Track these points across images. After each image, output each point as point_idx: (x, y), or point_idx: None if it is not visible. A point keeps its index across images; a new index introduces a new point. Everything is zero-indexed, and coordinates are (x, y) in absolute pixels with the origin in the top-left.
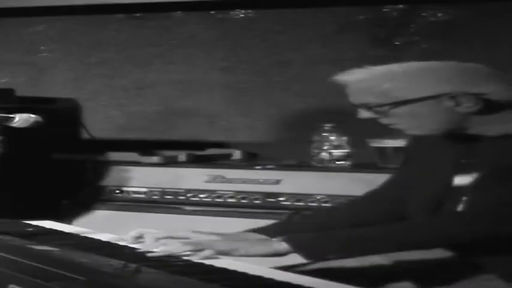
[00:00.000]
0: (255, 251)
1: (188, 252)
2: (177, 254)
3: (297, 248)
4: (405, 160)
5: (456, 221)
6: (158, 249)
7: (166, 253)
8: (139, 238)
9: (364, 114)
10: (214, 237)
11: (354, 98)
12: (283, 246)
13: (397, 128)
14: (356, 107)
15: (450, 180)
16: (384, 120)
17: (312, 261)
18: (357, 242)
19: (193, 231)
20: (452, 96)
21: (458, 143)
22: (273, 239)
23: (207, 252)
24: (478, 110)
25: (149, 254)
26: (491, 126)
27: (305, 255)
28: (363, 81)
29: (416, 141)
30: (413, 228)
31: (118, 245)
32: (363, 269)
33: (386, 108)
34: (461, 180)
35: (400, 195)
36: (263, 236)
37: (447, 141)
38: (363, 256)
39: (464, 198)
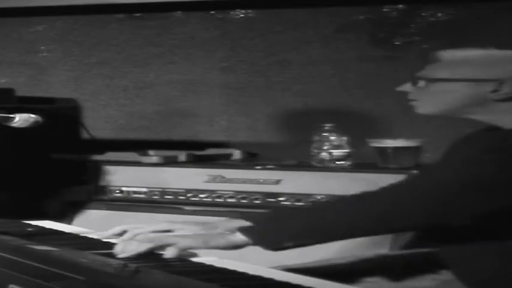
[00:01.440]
0: (215, 243)
1: (150, 250)
2: (141, 252)
3: (253, 239)
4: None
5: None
6: (122, 252)
7: (130, 253)
8: (120, 235)
9: (407, 87)
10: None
11: (430, 72)
12: (240, 238)
13: (413, 105)
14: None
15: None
16: (412, 95)
17: (271, 250)
18: (312, 227)
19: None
20: (501, 83)
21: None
22: (235, 233)
23: (171, 251)
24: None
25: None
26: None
27: (264, 246)
28: (450, 59)
29: (457, 141)
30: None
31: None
32: (331, 266)
33: (422, 83)
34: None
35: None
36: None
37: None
38: (321, 243)
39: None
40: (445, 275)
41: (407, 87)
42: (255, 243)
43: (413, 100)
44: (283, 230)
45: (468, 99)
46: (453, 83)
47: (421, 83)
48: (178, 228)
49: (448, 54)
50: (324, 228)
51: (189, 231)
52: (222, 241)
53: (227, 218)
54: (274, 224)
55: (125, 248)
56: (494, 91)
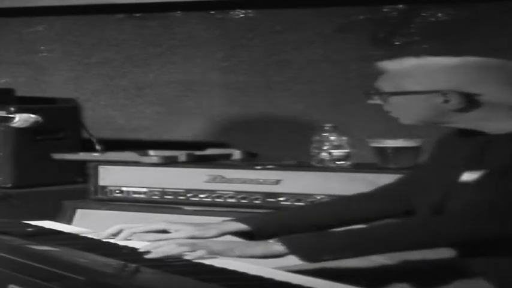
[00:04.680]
0: (251, 252)
1: (184, 252)
2: (172, 255)
3: (293, 250)
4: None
5: (456, 220)
6: (154, 251)
7: (162, 255)
8: (116, 234)
9: (373, 99)
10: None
11: (381, 85)
12: (280, 247)
13: (392, 116)
14: (370, 93)
15: (457, 178)
16: (385, 108)
17: (309, 262)
18: (354, 242)
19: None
20: (444, 93)
21: (469, 141)
22: (270, 241)
23: (199, 253)
24: (465, 108)
25: (147, 256)
26: (491, 124)
27: (302, 257)
28: (394, 71)
29: (441, 142)
30: (412, 227)
31: (118, 245)
32: (362, 269)
33: (386, 96)
34: (467, 177)
35: (410, 192)
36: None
37: (460, 140)
38: (360, 256)
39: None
40: (474, 283)
41: (376, 100)
42: (293, 253)
43: (389, 112)
44: (323, 243)
45: (432, 110)
46: (406, 96)
47: (380, 97)
48: (174, 229)
49: (389, 66)
50: (370, 245)
51: (185, 232)
52: (259, 250)
53: (223, 219)
54: (315, 236)
55: (158, 249)
56: (446, 102)
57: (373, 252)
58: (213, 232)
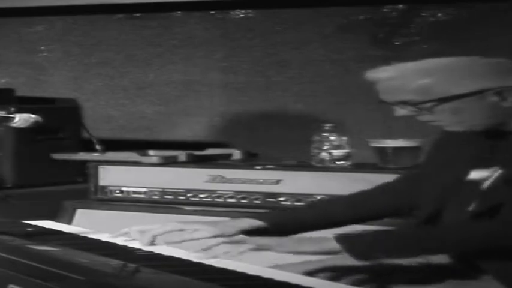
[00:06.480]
0: (304, 248)
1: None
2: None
3: (349, 248)
4: (426, 157)
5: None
6: (208, 253)
7: (212, 256)
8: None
9: (401, 111)
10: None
11: (388, 96)
12: (333, 244)
13: (439, 125)
14: (391, 104)
15: (464, 177)
16: (425, 118)
17: (362, 260)
18: (410, 243)
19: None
20: (498, 92)
21: (483, 138)
22: (320, 237)
23: (247, 246)
24: None
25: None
26: None
27: (356, 256)
28: (396, 78)
29: (440, 139)
30: (471, 229)
31: (117, 245)
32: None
33: (429, 105)
34: (476, 176)
35: (411, 189)
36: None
37: (473, 137)
38: (415, 257)
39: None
40: (483, 282)
41: (408, 111)
42: (347, 252)
43: (432, 122)
44: (379, 242)
45: (489, 111)
46: (456, 101)
47: (417, 107)
48: (192, 228)
49: (373, 76)
50: (426, 245)
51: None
52: (313, 247)
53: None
54: (370, 235)
55: (210, 252)
56: (502, 100)
57: (428, 253)
58: (232, 230)
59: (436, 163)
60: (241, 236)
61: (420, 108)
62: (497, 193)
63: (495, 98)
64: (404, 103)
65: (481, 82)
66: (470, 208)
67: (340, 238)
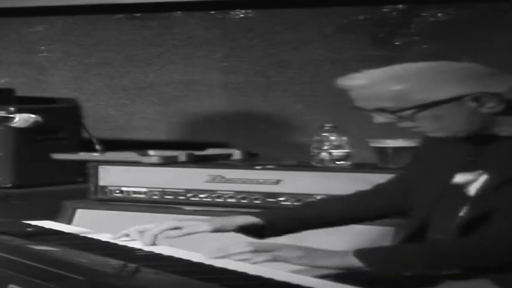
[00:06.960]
0: (323, 263)
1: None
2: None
3: (369, 264)
4: (414, 157)
5: None
6: (227, 255)
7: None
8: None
9: (380, 119)
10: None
11: (363, 103)
12: (352, 260)
13: (421, 131)
14: (367, 111)
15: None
16: (405, 124)
17: (383, 274)
18: (431, 258)
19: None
20: (475, 97)
21: (468, 142)
22: (339, 252)
23: (263, 257)
24: (502, 110)
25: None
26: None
27: (377, 270)
28: (367, 86)
29: (428, 139)
30: (490, 245)
31: (117, 245)
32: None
33: (409, 112)
34: (465, 178)
35: (404, 190)
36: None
37: (457, 140)
38: (435, 271)
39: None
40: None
41: (386, 118)
42: (368, 267)
43: (412, 128)
44: (399, 256)
45: (468, 117)
46: (434, 108)
47: (397, 114)
48: (188, 225)
49: (344, 84)
50: (442, 259)
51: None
52: (332, 261)
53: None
54: (389, 249)
55: (229, 254)
56: (481, 106)
57: (447, 268)
58: (228, 226)
59: (425, 163)
60: (261, 245)
61: (399, 115)
62: (487, 201)
63: (473, 104)
64: (381, 110)
65: (458, 88)
66: (461, 214)
67: (359, 254)
